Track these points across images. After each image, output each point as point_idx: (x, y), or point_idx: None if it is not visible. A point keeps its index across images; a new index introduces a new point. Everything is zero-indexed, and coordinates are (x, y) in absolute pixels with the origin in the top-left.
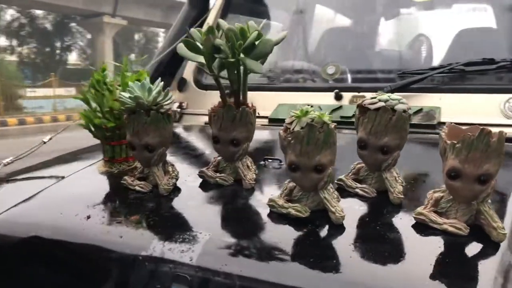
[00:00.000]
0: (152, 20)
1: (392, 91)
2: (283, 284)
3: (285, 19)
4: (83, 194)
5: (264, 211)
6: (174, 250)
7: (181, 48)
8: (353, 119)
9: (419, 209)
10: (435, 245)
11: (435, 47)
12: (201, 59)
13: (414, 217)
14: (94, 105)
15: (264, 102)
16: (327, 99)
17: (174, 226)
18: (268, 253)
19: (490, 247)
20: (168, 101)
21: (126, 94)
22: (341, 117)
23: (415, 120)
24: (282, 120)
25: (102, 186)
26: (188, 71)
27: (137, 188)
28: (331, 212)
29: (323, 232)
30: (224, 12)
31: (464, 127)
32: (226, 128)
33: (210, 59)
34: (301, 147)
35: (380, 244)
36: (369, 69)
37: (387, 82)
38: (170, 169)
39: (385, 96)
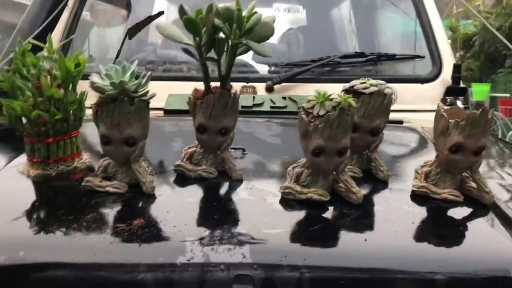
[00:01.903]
0: None
1: (281, 82)
2: (352, 267)
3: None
4: (38, 205)
5: (275, 200)
6: (218, 250)
7: (165, 29)
8: (255, 108)
9: (418, 183)
10: (446, 212)
11: (305, 41)
12: (186, 40)
13: (416, 190)
14: (24, 94)
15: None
16: None
17: (196, 225)
18: (318, 238)
19: (486, 208)
20: (147, 87)
21: (102, 80)
22: (242, 106)
23: None
24: (178, 111)
25: (54, 192)
26: None
27: (110, 189)
28: (352, 193)
29: (353, 212)
30: None
31: (446, 108)
32: (216, 116)
33: (206, 41)
34: (330, 131)
35: (404, 216)
36: (249, 60)
37: (271, 74)
38: (144, 164)
39: (373, 81)
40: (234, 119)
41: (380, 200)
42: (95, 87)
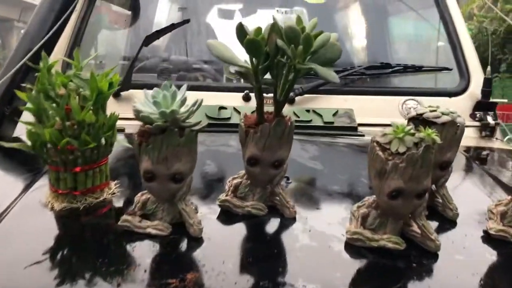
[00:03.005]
0: None
1: (303, 93)
2: None
3: (163, 12)
4: (70, 247)
5: (341, 246)
6: None
7: (215, 48)
8: None
9: (495, 225)
10: None
11: None
12: (241, 62)
13: (494, 234)
14: (51, 118)
15: None
16: (234, 100)
17: (262, 281)
18: None
19: None
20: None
21: (148, 107)
22: None
23: (338, 122)
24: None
25: (87, 231)
26: None
27: (152, 231)
28: (430, 240)
29: (433, 263)
30: None
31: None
32: (271, 147)
33: (265, 63)
34: (412, 171)
35: (492, 269)
36: None
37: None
38: (190, 202)
39: (443, 109)
40: (288, 150)
41: (458, 247)
42: (141, 117)
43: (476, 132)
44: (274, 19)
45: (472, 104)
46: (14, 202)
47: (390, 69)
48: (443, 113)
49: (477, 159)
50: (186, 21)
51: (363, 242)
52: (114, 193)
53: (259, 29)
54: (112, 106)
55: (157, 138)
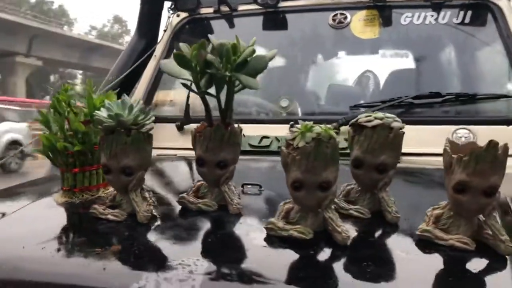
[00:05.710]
0: (70, 61)
1: (346, 124)
2: None
3: None
4: (45, 226)
5: (259, 236)
6: (172, 280)
7: (166, 65)
8: None
9: (423, 226)
10: (446, 261)
11: (380, 83)
12: (187, 76)
13: (419, 234)
14: (55, 128)
15: None
16: (281, 131)
17: (163, 255)
18: (274, 277)
19: (500, 260)
20: (149, 121)
21: (103, 112)
22: None
23: None
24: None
25: (66, 217)
26: None
27: (110, 217)
28: (337, 233)
29: (330, 254)
30: (170, 47)
31: (460, 143)
32: (213, 149)
33: (200, 76)
34: (307, 163)
35: (390, 263)
36: (321, 102)
37: (339, 115)
38: (147, 195)
39: (380, 114)
40: (232, 152)
41: (371, 244)
42: (96, 119)
43: None
44: (210, 39)
45: None
46: (37, 201)
47: (441, 98)
48: (376, 118)
49: None
50: None
51: (275, 232)
52: (109, 193)
53: (195, 46)
54: (175, 138)
55: (109, 137)
